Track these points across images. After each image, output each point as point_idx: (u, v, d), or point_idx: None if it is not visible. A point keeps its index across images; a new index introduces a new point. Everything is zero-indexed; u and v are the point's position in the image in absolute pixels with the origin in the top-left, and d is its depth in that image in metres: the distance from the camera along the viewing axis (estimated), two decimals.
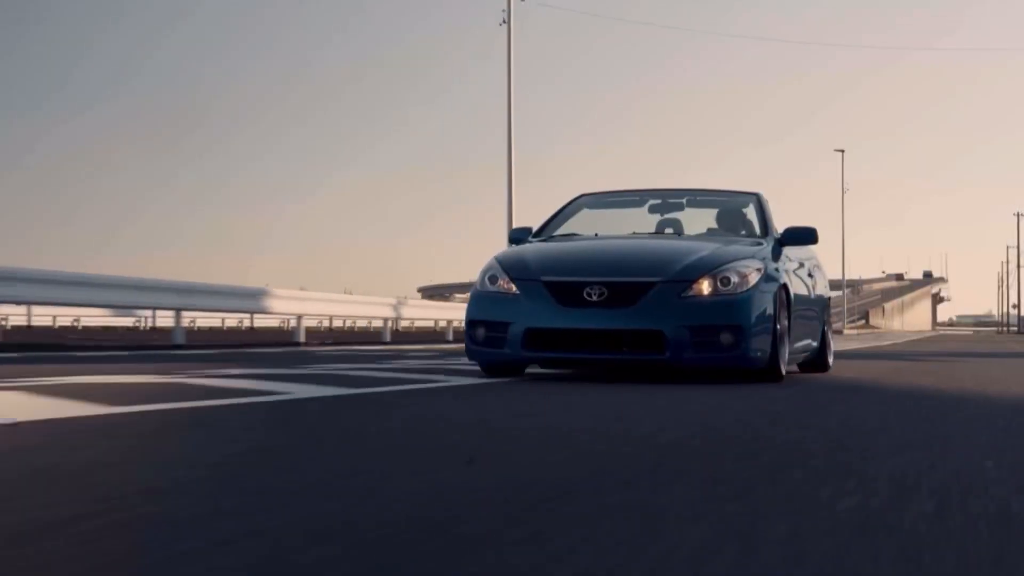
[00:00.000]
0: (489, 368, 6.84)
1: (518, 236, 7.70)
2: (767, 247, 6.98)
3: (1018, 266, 78.33)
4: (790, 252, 7.39)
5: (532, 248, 7.10)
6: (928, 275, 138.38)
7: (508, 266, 6.71)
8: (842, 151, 63.75)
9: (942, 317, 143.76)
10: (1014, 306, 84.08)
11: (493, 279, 6.68)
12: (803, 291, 7.54)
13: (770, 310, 6.42)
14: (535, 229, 7.77)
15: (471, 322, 6.70)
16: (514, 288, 6.53)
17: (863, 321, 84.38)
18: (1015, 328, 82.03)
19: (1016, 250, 77.36)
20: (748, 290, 6.31)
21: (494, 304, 6.59)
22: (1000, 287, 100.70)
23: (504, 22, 28.33)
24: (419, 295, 43.66)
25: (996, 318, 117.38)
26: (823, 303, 8.44)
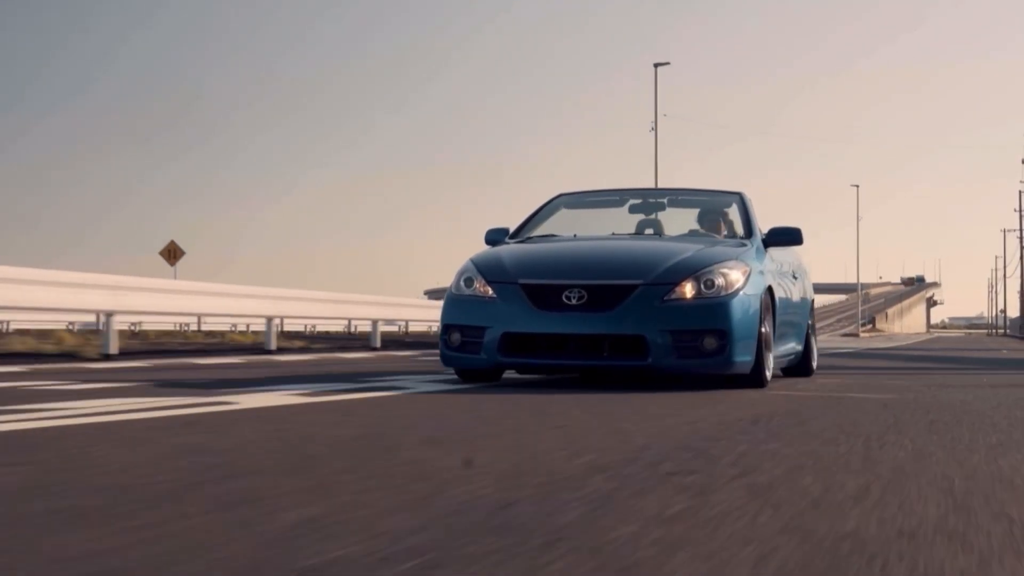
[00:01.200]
0: (464, 374, 6.62)
1: (494, 237, 7.46)
2: (751, 248, 6.78)
3: (1004, 276, 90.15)
4: (774, 253, 7.20)
5: (509, 249, 6.87)
6: (920, 279, 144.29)
7: (484, 268, 6.48)
8: (857, 186, 71.70)
9: (935, 320, 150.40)
10: (1002, 311, 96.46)
11: (468, 282, 6.45)
12: (788, 294, 7.35)
13: (755, 314, 6.21)
14: (512, 230, 7.54)
15: (446, 326, 6.47)
16: (490, 291, 6.30)
17: (871, 325, 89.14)
18: (1002, 331, 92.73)
19: (1003, 260, 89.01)
20: (733, 293, 6.10)
21: (469, 307, 6.37)
22: (990, 292, 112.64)
23: (652, 129, 37.31)
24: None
25: (987, 320, 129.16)
26: (807, 306, 8.25)
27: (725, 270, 6.18)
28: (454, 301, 6.49)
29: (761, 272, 6.54)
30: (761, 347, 6.27)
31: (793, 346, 7.58)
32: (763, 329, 6.34)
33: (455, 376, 6.74)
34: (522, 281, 6.23)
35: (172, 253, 22.29)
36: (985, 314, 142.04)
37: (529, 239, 7.34)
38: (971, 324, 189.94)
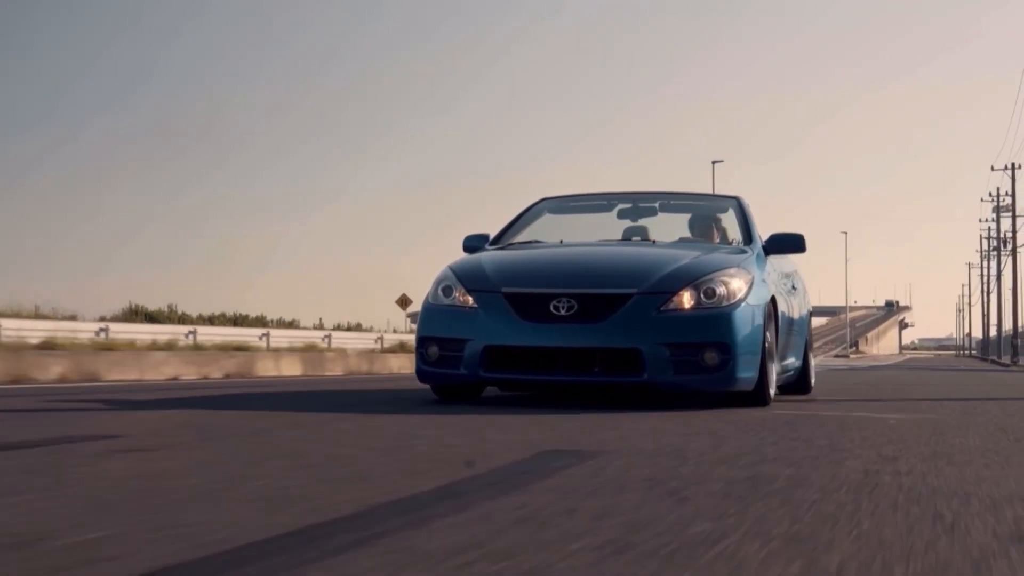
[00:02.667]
0: (442, 391, 6.09)
1: (473, 244, 6.91)
2: (752, 255, 6.28)
3: (969, 304, 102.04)
4: (773, 262, 6.71)
5: (491, 256, 6.34)
6: (890, 304, 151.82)
7: (464, 276, 5.95)
8: (846, 232, 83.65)
9: (905, 341, 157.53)
10: (967, 335, 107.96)
11: (447, 290, 5.92)
12: (788, 305, 6.87)
13: (759, 326, 5.72)
14: (492, 236, 7.01)
15: (422, 339, 5.92)
16: (471, 301, 5.77)
17: (855, 347, 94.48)
18: (966, 352, 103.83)
19: (968, 289, 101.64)
20: (735, 303, 5.60)
21: (449, 319, 5.83)
22: (959, 315, 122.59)
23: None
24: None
25: (955, 341, 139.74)
26: (806, 319, 7.77)
27: (726, 278, 5.69)
28: (431, 311, 5.96)
29: (764, 281, 6.05)
30: (765, 362, 5.79)
31: (792, 361, 7.10)
32: (767, 343, 5.85)
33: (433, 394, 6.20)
34: (506, 290, 5.71)
35: (404, 302, 30.03)
36: (954, 335, 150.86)
37: (511, 245, 6.83)
38: (940, 345, 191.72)
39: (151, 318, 31.16)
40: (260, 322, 35.12)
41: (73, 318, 23.96)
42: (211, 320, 33.04)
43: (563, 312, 5.53)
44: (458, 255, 6.70)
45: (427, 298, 6.05)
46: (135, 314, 31.45)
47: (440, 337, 5.81)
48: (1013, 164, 50.60)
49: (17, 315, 21.31)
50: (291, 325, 36.50)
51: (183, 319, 32.17)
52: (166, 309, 33.51)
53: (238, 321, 33.85)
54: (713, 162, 45.22)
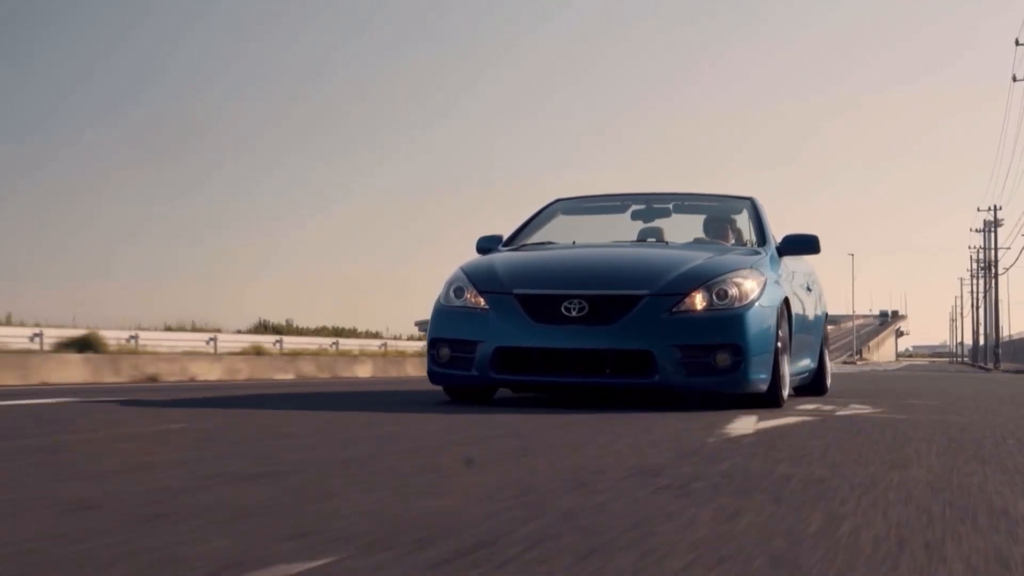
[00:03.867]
0: (453, 392, 6.08)
1: (486, 245, 6.89)
2: (766, 256, 6.25)
3: (960, 315, 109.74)
4: (788, 263, 6.67)
5: (503, 257, 6.32)
6: (884, 313, 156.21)
7: (476, 277, 5.94)
8: (852, 254, 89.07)
9: (900, 348, 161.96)
10: (959, 343, 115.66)
11: (459, 292, 5.90)
12: (803, 306, 6.83)
13: (772, 328, 5.69)
14: (505, 238, 7.00)
15: (433, 340, 5.92)
16: (483, 302, 5.76)
17: (859, 355, 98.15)
18: (959, 359, 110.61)
19: (960, 301, 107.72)
20: (747, 304, 5.57)
21: (460, 320, 5.82)
22: (951, 324, 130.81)
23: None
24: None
25: (949, 348, 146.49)
26: (821, 320, 7.72)
27: (739, 279, 5.66)
28: (443, 313, 5.95)
29: (777, 282, 6.02)
30: (778, 364, 5.75)
31: (807, 363, 7.05)
32: (779, 344, 5.82)
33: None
34: (517, 291, 5.70)
35: None
36: (947, 342, 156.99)
37: (524, 247, 6.81)
38: (935, 352, 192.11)
39: (276, 330, 36.46)
40: (353, 333, 40.35)
41: (218, 331, 28.11)
42: (317, 332, 39.01)
43: (574, 313, 5.51)
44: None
45: (438, 299, 6.03)
46: (264, 328, 37.47)
47: (451, 339, 5.80)
48: (995, 206, 60.05)
49: (182, 328, 27.20)
50: (377, 335, 41.15)
51: (300, 331, 38.05)
52: (285, 323, 39.73)
53: (339, 332, 39.37)
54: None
